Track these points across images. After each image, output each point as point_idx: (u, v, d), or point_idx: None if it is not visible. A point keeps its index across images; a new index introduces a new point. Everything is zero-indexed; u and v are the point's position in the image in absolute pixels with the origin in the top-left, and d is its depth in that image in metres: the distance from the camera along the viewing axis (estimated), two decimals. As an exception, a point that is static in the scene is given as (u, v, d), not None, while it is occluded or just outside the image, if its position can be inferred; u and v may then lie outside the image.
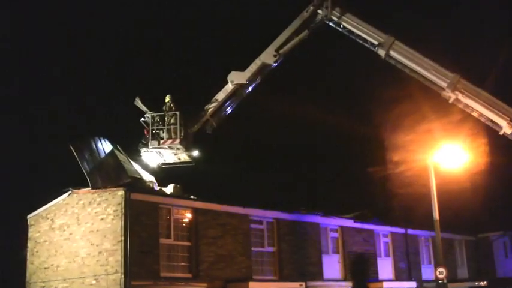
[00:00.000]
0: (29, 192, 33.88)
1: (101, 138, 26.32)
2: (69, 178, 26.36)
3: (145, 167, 26.36)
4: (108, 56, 46.94)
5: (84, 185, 24.87)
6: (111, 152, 25.95)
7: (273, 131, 43.28)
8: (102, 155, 25.66)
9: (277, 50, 25.65)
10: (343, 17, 25.22)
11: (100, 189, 24.09)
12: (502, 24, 39.95)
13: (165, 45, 49.09)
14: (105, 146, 26.14)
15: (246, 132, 41.54)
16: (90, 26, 47.79)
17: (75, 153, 25.13)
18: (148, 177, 26.15)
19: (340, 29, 25.58)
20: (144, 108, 25.54)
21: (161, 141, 25.41)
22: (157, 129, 25.46)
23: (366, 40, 25.19)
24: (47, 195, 26.84)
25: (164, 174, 27.05)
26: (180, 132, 25.23)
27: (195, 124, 26.14)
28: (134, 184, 24.19)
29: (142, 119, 25.62)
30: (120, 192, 23.05)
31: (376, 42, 24.95)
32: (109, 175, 24.68)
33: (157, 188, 25.85)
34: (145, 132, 25.56)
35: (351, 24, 25.20)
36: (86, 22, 47.71)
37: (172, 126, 25.38)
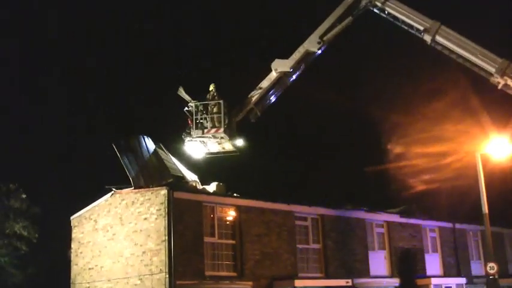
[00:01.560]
0: (72, 193, 34.38)
1: (144, 137, 26.48)
2: (111, 178, 26.57)
3: (189, 159, 26.41)
4: (146, 52, 47.35)
5: (126, 184, 25.09)
6: (154, 151, 26.14)
7: (315, 123, 43.16)
8: (145, 154, 25.82)
9: (321, 37, 25.55)
10: (387, 3, 25.12)
11: (143, 189, 24.27)
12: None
13: (205, 34, 49.31)
14: (148, 145, 26.30)
15: (288, 124, 41.53)
16: (129, 21, 48.27)
17: (117, 153, 25.28)
18: (191, 176, 26.26)
19: (384, 15, 25.43)
20: (187, 98, 25.48)
21: (205, 131, 25.35)
22: (200, 119, 25.39)
23: (411, 26, 25.02)
24: (90, 196, 27.16)
25: (207, 172, 27.12)
26: (224, 121, 25.17)
27: (239, 113, 26.07)
28: (177, 183, 24.33)
29: (186, 108, 25.54)
30: (163, 192, 23.17)
31: (421, 28, 24.77)
32: (152, 174, 24.84)
33: (200, 186, 25.94)
34: (189, 122, 25.51)
35: (396, 10, 25.03)
36: (128, 18, 48.19)
37: (215, 115, 25.31)
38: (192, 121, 25.38)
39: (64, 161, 39.99)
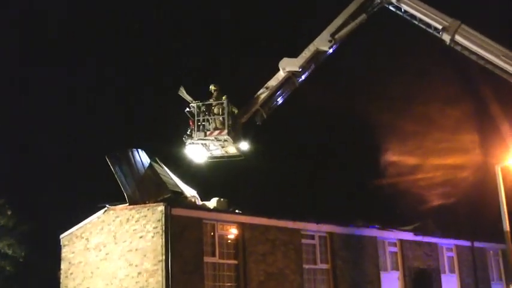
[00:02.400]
0: (61, 210, 34.22)
1: (138, 150, 26.40)
2: (104, 194, 26.49)
3: (187, 171, 26.29)
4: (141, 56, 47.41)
5: (121, 200, 24.98)
6: (150, 165, 26.06)
7: (323, 131, 43.06)
8: (140, 168, 25.77)
9: (332, 35, 25.45)
10: (403, 0, 25.00)
11: (138, 205, 24.16)
12: None
13: (205, 34, 49.38)
14: (143, 159, 26.24)
15: (293, 131, 41.43)
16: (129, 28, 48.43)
17: (111, 167, 25.22)
18: (189, 191, 26.16)
19: (401, 13, 25.30)
20: (188, 98, 25.22)
21: (207, 133, 25.04)
22: (203, 120, 25.12)
23: (429, 25, 24.88)
24: (81, 213, 27.04)
25: (207, 187, 27.00)
26: (228, 123, 24.95)
27: (244, 114, 25.81)
28: (175, 199, 24.24)
29: (187, 109, 25.28)
30: (160, 208, 23.07)
31: (440, 27, 24.61)
32: (148, 190, 24.76)
33: (199, 202, 25.85)
34: (190, 123, 25.21)
35: (413, 7, 24.89)
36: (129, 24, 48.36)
37: (219, 116, 25.04)
38: (193, 122, 25.12)
39: (54, 175, 39.89)
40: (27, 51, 46.01)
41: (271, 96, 26.04)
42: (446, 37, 24.55)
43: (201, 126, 25.04)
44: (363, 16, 25.51)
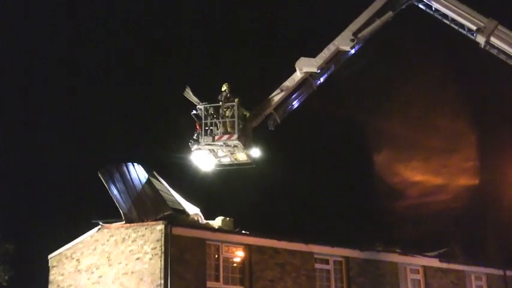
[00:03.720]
0: (50, 227, 34.36)
1: (134, 164, 26.55)
2: (98, 211, 26.61)
3: (189, 187, 26.24)
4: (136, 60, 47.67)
5: (116, 218, 25.13)
6: (148, 180, 26.17)
7: (339, 142, 43.04)
8: (137, 184, 25.87)
9: (355, 34, 25.50)
10: None
11: (135, 224, 24.31)
12: None
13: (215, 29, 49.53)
14: (139, 173, 26.34)
15: (306, 142, 41.36)
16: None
17: (104, 182, 25.36)
18: (192, 208, 26.26)
19: (431, 12, 25.39)
20: (195, 99, 24.99)
21: (216, 137, 24.74)
22: (211, 124, 24.86)
23: (462, 25, 24.96)
24: (72, 231, 27.18)
25: (211, 204, 27.09)
26: (238, 126, 24.73)
27: (255, 118, 25.66)
28: (176, 217, 24.36)
29: (194, 111, 25.07)
30: (160, 227, 23.18)
31: (474, 28, 24.71)
32: (146, 207, 24.91)
33: (203, 221, 25.94)
34: (197, 127, 24.95)
35: (445, 6, 24.95)
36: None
37: (228, 120, 24.85)
38: (200, 126, 24.89)
39: (42, 190, 40.09)
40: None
41: (286, 99, 25.95)
42: (481, 39, 24.57)
43: (208, 131, 24.80)
44: (389, 14, 25.54)
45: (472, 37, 24.84)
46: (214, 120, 24.85)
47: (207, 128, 24.83)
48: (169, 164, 27.50)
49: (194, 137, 25.01)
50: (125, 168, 26.32)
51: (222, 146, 25.04)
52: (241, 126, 24.77)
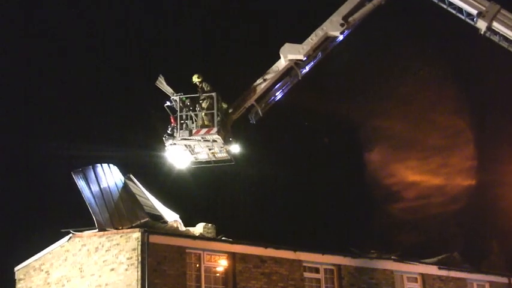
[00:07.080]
0: (16, 237, 34.30)
1: (110, 165, 26.57)
2: (69, 218, 26.64)
3: (169, 192, 26.24)
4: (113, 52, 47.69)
5: (89, 226, 25.17)
6: (124, 183, 26.22)
7: (334, 139, 43.12)
8: (113, 187, 25.91)
9: (345, 18, 25.63)
10: None
11: (109, 231, 24.35)
12: None
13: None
14: (114, 175, 26.36)
15: (295, 134, 41.35)
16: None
17: (78, 184, 25.40)
18: (171, 214, 26.36)
19: None
20: (169, 90, 24.92)
21: (193, 131, 24.64)
22: (186, 117, 24.83)
23: (460, 10, 25.08)
24: (40, 241, 27.16)
25: (191, 209, 27.19)
26: (217, 120, 24.69)
27: (236, 110, 25.80)
28: (153, 224, 24.46)
29: (167, 103, 25.01)
30: (136, 235, 23.25)
31: (475, 12, 24.85)
32: (121, 213, 24.97)
33: (183, 228, 26.04)
34: (172, 121, 24.88)
35: None
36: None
37: (206, 112, 24.75)
38: (175, 119, 24.80)
39: (6, 197, 40.02)
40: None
41: (269, 90, 26.06)
42: (481, 24, 24.66)
43: (184, 124, 24.74)
44: None
45: (472, 23, 24.89)
46: (191, 112, 24.79)
47: (182, 121, 24.74)
48: (144, 164, 27.49)
49: (169, 131, 24.90)
50: (100, 169, 26.20)
51: (199, 141, 24.97)
52: (219, 119, 24.73)
